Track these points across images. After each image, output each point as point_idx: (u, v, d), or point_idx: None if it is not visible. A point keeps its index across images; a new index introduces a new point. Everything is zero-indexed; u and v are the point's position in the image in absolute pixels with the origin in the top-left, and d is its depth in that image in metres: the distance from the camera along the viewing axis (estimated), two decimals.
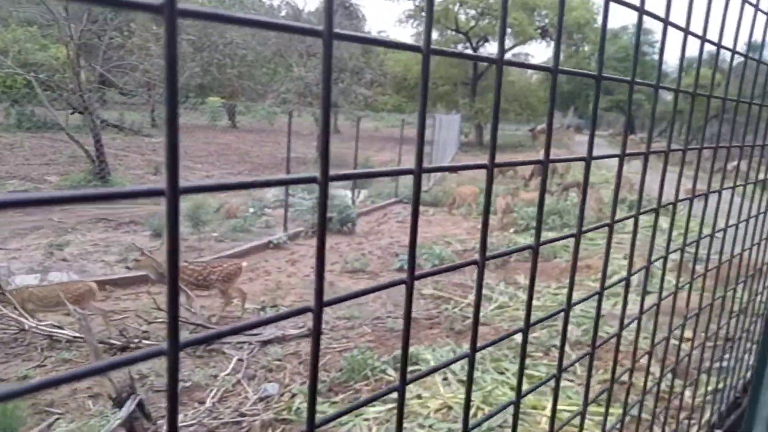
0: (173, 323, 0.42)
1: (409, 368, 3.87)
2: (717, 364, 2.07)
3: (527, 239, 9.95)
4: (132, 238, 9.63)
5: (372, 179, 15.69)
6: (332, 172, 0.49)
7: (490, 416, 0.87)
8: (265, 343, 5.60)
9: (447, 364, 0.73)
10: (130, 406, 3.40)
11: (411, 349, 4.69)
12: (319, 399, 4.30)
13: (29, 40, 19.18)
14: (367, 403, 0.66)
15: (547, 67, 0.73)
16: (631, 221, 1.09)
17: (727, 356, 2.16)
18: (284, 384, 4.64)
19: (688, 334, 1.67)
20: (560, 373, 0.96)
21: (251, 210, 11.80)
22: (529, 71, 58.14)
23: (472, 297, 7.06)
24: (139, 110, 28.25)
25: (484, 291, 7.17)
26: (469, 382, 0.75)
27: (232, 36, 20.23)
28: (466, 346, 5.22)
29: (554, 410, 0.97)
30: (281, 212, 12.35)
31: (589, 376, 1.10)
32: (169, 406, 0.44)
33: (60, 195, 0.36)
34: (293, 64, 19.92)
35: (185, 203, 10.15)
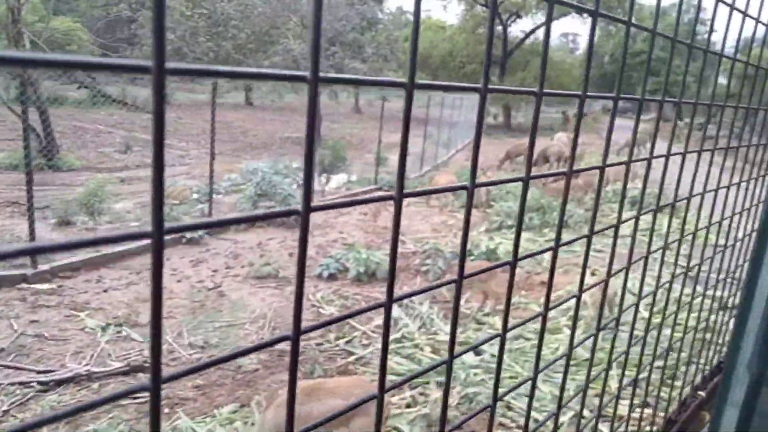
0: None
1: None
2: None
3: (497, 240, 8.25)
4: (35, 226, 8.46)
5: (352, 163, 14.22)
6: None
7: None
8: (59, 383, 4.24)
9: None
10: None
11: (182, 423, 3.23)
12: None
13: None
14: None
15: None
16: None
17: None
18: None
19: None
20: None
21: (194, 195, 10.45)
22: (575, 52, 54.73)
23: (377, 322, 5.49)
24: (147, 85, 27.58)
25: (395, 313, 5.56)
26: None
27: (224, 8, 18.84)
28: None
29: None
30: (234, 198, 11.06)
31: None
32: None
33: None
34: (289, 36, 18.41)
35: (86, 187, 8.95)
